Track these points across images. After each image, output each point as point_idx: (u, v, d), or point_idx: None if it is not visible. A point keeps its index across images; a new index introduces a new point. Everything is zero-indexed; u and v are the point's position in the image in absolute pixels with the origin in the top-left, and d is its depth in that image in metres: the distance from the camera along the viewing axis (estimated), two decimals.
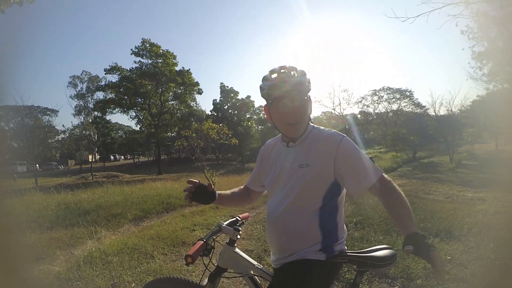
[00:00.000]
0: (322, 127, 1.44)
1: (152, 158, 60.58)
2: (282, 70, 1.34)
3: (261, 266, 1.53)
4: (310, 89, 1.38)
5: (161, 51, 35.66)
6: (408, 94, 50.02)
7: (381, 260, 1.30)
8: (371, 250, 1.38)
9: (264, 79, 1.37)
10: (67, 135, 39.16)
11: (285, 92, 1.31)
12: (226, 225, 1.60)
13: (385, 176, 1.29)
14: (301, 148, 1.40)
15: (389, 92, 50.67)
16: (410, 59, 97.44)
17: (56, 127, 36.47)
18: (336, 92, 50.03)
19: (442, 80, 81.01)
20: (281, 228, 1.39)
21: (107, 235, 5.56)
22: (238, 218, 1.71)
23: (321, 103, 37.93)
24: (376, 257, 1.31)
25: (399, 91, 50.27)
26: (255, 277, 1.52)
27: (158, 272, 3.50)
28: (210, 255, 1.47)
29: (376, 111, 52.70)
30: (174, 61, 36.44)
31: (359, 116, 54.10)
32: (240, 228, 1.60)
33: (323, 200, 1.33)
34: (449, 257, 3.42)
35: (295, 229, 1.36)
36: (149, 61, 36.21)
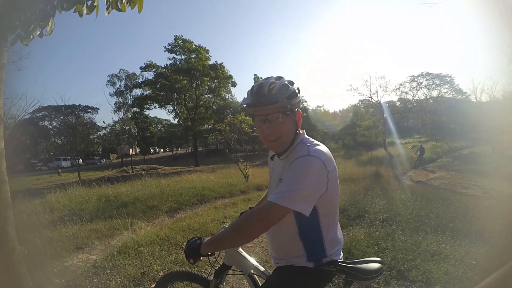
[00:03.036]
0: (309, 141, 1.39)
1: (190, 150, 62.41)
2: (262, 87, 1.33)
3: (260, 266, 1.65)
4: (294, 103, 1.35)
5: (193, 46, 36.24)
6: (449, 79, 46.99)
7: (367, 273, 1.35)
8: (360, 261, 1.43)
9: (245, 97, 1.40)
10: (108, 130, 41.33)
11: (260, 110, 1.33)
12: None
13: (276, 208, 1.19)
14: (284, 162, 1.41)
15: (428, 78, 48.07)
16: (448, 43, 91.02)
17: (97, 123, 38.74)
18: (373, 80, 48.23)
19: (483, 64, 74.76)
20: (271, 235, 1.50)
21: (143, 227, 5.87)
22: None
23: (358, 91, 36.94)
24: (363, 270, 1.36)
25: (438, 76, 47.43)
26: (255, 276, 1.65)
27: (185, 262, 3.66)
28: (216, 256, 1.60)
29: (415, 98, 50.25)
30: (207, 55, 36.94)
31: (398, 103, 51.88)
32: None
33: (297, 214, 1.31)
34: (474, 262, 3.22)
35: (279, 239, 1.45)
36: (183, 57, 37.03)
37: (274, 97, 1.28)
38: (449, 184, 11.91)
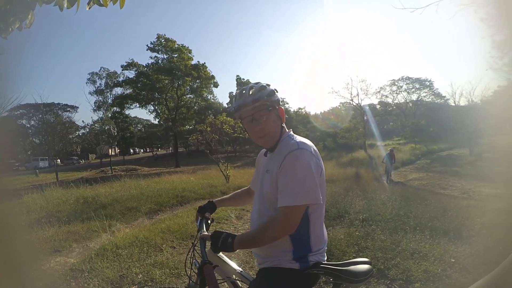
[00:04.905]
0: (295, 136, 1.48)
1: (170, 151, 61.61)
2: (243, 91, 1.47)
3: (242, 270, 1.59)
4: (274, 100, 1.45)
5: (176, 45, 35.95)
6: (428, 84, 48.44)
7: (356, 275, 1.32)
8: (349, 263, 1.41)
9: (230, 102, 1.46)
10: (87, 130, 40.36)
11: (246, 112, 1.45)
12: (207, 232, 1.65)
13: (293, 210, 1.28)
14: (271, 155, 1.49)
15: (408, 82, 49.31)
16: (429, 48, 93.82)
17: (76, 123, 37.74)
18: (354, 83, 49.12)
19: (462, 70, 77.29)
20: None
21: (121, 228, 5.75)
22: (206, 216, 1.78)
23: (339, 94, 37.52)
24: (352, 272, 1.33)
25: (418, 80, 48.78)
26: (237, 281, 1.58)
27: (165, 264, 3.65)
28: (191, 262, 1.58)
29: (395, 102, 51.50)
30: (190, 55, 36.70)
31: (378, 106, 53.02)
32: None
33: None
34: (453, 260, 3.30)
35: None
36: (165, 56, 36.69)
37: (255, 96, 1.42)
38: (428, 184, 12.26)
